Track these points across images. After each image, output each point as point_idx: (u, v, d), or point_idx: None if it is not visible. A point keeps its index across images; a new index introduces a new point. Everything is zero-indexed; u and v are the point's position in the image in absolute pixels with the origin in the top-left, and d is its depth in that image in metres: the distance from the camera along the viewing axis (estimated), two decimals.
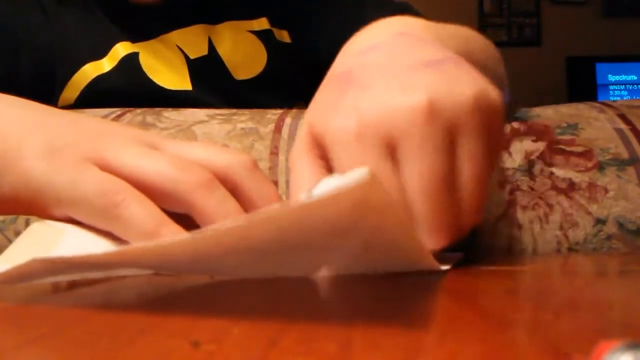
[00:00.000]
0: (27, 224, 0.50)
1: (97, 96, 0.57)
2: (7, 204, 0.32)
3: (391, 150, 0.27)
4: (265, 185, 0.32)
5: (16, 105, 0.35)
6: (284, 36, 0.63)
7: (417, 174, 0.27)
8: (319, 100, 0.31)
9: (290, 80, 0.62)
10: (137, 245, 0.26)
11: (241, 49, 0.61)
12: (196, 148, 0.32)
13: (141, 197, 0.28)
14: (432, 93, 0.27)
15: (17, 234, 0.50)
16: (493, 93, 0.29)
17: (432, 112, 0.26)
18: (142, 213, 0.28)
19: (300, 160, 0.30)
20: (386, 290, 0.23)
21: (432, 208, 0.27)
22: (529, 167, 0.45)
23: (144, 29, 0.59)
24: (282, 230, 0.21)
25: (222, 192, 0.30)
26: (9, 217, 0.50)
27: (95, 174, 0.29)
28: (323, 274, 0.26)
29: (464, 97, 0.27)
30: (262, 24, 0.62)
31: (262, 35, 0.62)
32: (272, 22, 0.63)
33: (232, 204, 0.30)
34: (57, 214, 0.30)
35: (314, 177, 0.29)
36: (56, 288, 0.26)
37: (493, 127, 0.28)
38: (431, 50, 0.31)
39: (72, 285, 0.27)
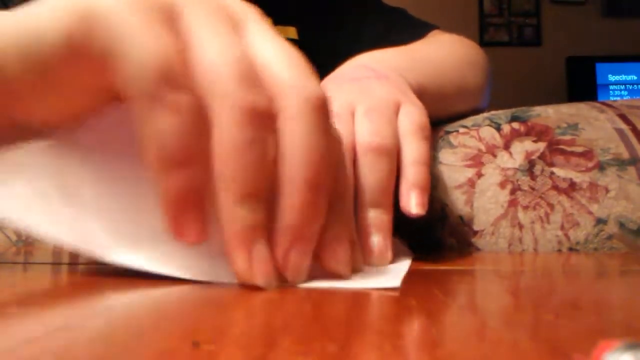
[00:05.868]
0: None
1: None
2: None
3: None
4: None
5: None
6: (290, 32, 0.64)
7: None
8: None
9: None
10: None
11: None
12: (282, 60, 0.24)
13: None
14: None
15: (17, 233, 0.50)
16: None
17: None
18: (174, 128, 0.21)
19: None
20: (385, 290, 0.23)
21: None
22: (529, 167, 0.45)
23: None
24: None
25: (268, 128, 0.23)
26: None
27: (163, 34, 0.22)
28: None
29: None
30: None
31: None
32: (276, 21, 0.63)
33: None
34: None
35: None
36: (55, 287, 0.26)
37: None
38: (362, 73, 0.42)
39: (72, 285, 0.27)
